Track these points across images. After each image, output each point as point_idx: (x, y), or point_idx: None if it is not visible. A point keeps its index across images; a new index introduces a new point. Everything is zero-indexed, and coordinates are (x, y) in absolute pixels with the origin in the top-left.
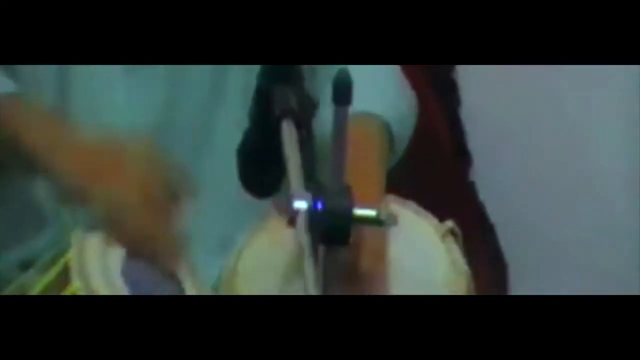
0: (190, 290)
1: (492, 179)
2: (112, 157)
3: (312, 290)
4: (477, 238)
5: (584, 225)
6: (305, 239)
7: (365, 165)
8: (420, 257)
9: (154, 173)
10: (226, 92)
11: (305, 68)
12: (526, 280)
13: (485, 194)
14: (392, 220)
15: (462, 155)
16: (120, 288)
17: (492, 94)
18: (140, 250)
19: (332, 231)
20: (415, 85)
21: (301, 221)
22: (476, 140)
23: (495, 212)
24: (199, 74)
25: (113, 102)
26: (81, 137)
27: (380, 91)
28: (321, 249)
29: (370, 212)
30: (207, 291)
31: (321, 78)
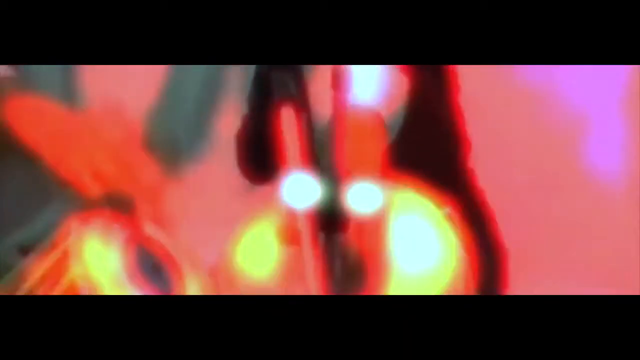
0: (187, 271)
1: (491, 166)
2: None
3: (311, 276)
4: (475, 224)
5: (584, 225)
6: (305, 226)
7: (363, 152)
8: (417, 243)
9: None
10: (225, 77)
11: None
12: (524, 266)
13: (485, 181)
14: (390, 206)
15: (461, 142)
16: (118, 274)
17: (492, 94)
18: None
19: (331, 217)
20: (415, 71)
21: (300, 208)
22: (476, 138)
23: (493, 199)
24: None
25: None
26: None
27: (372, 82)
28: (321, 235)
29: (368, 197)
30: (203, 271)
31: None
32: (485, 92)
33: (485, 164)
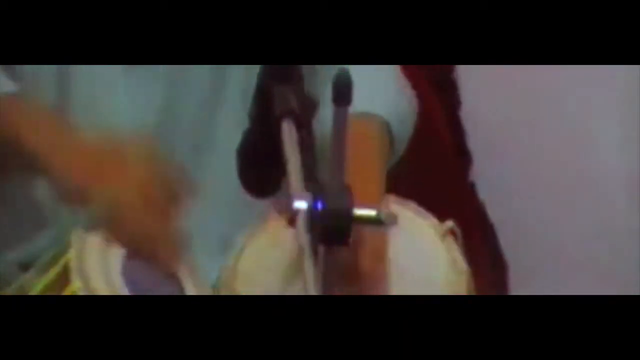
0: (190, 290)
1: (492, 179)
2: (112, 157)
3: (312, 291)
4: (477, 238)
5: (584, 225)
6: (305, 239)
7: (366, 165)
8: (420, 257)
9: (154, 173)
10: (226, 92)
11: (306, 68)
12: (526, 280)
13: (485, 194)
14: (392, 219)
15: (462, 155)
16: (119, 288)
17: (492, 94)
18: (140, 250)
19: (332, 231)
20: (415, 85)
21: (301, 221)
22: (476, 140)
23: (495, 212)
24: (198, 73)
25: (113, 102)
26: (81, 137)
27: (380, 91)
28: (321, 248)
29: (370, 212)
30: (207, 291)
31: (321, 78)
32: (482, 96)
33: (485, 176)
